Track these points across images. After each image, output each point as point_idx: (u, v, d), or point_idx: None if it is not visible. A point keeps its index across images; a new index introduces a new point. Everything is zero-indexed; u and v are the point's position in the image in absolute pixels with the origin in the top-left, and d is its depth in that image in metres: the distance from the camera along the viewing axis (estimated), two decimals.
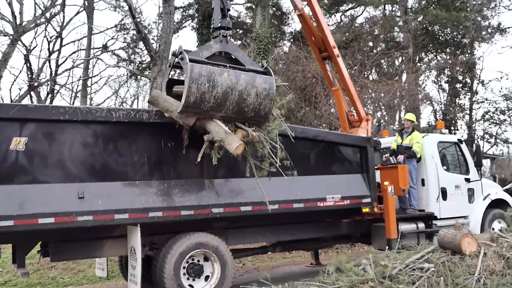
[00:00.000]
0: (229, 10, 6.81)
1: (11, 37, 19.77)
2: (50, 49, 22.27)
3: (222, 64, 6.45)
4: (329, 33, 10.13)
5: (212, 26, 6.84)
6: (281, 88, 7.49)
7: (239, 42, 26.91)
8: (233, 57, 6.72)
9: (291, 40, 25.28)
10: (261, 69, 6.67)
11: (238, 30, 26.87)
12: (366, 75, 21.31)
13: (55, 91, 22.48)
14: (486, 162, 22.23)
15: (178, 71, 8.42)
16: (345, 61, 19.10)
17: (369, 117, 9.85)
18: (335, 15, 27.05)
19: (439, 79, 27.04)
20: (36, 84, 20.26)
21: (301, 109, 18.69)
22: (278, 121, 6.68)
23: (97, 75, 24.64)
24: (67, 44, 24.59)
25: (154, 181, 6.57)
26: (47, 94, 22.11)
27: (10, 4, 19.48)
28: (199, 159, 6.33)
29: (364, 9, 25.62)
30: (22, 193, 5.66)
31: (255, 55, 18.41)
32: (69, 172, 6.03)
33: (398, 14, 26.44)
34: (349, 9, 26.47)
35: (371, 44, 24.10)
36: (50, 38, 22.35)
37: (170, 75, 7.26)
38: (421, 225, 9.32)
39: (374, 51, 23.18)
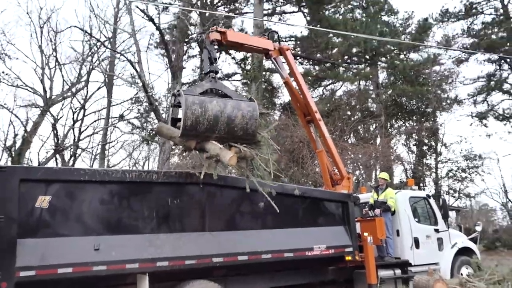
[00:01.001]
0: (216, 59, 7.35)
1: (41, 108, 20.02)
2: (74, 118, 22.48)
3: (212, 96, 6.82)
4: (311, 99, 10.10)
5: (203, 72, 7.44)
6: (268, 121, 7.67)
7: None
8: (222, 92, 7.10)
9: (281, 110, 25.70)
10: (245, 99, 6.97)
11: None
12: (345, 139, 21.56)
13: (77, 155, 22.48)
14: (452, 214, 22.07)
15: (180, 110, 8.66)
16: (327, 127, 19.30)
17: (350, 176, 9.83)
18: (318, 89, 27.75)
19: (408, 142, 27.39)
20: (61, 148, 20.29)
21: (290, 169, 18.72)
22: (266, 141, 6.97)
23: (114, 141, 24.76)
24: (89, 114, 24.93)
25: (161, 234, 6.47)
26: (70, 157, 22.09)
27: (42, 81, 19.88)
28: (202, 176, 6.49)
29: (342, 84, 26.29)
30: (44, 246, 5.54)
31: None
32: (87, 226, 5.94)
33: (371, 88, 27.15)
34: (329, 84, 27.18)
35: (349, 113, 24.55)
36: (75, 109, 22.62)
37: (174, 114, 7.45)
38: (398, 271, 9.16)
39: (352, 119, 23.57)
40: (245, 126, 6.58)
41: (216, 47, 8.19)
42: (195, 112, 6.26)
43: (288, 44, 25.18)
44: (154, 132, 23.37)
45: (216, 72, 7.16)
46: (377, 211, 9.44)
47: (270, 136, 7.11)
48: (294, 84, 9.96)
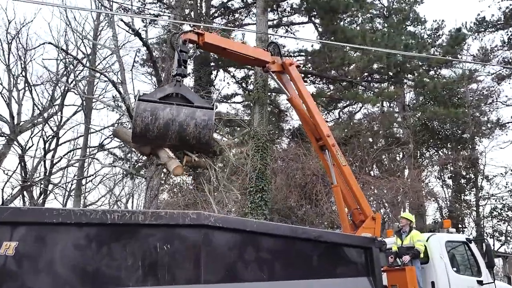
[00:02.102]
0: (185, 61, 8.13)
1: (7, 137, 20.18)
2: (46, 148, 22.62)
3: (170, 102, 7.50)
4: (321, 119, 10.15)
5: (171, 74, 8.47)
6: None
7: (236, 140, 27.51)
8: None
9: (290, 137, 25.85)
10: (208, 105, 7.68)
11: (235, 127, 27.55)
12: (367, 172, 21.56)
13: (49, 191, 22.51)
14: (498, 262, 21.76)
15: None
16: (346, 158, 19.38)
17: (376, 215, 9.71)
18: (333, 112, 27.94)
19: (442, 174, 27.31)
20: (29, 184, 20.35)
21: (301, 207, 18.67)
22: (226, 152, 8.14)
23: (92, 175, 24.82)
24: (63, 143, 25.06)
25: (148, 286, 6.39)
26: (40, 194, 22.13)
27: (8, 105, 20.10)
28: (151, 181, 7.61)
29: (362, 106, 26.46)
30: None
31: (254, 152, 18.71)
32: (60, 278, 5.88)
33: (397, 110, 27.27)
34: (347, 105, 27.37)
35: (370, 140, 24.63)
36: (47, 137, 22.81)
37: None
38: None
39: (374, 147, 23.64)
40: (198, 136, 7.33)
41: (190, 49, 8.77)
42: (145, 119, 7.13)
43: (297, 60, 25.55)
44: (139, 164, 23.48)
45: (184, 76, 8.00)
46: (406, 257, 9.33)
47: (228, 147, 8.31)
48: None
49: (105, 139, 24.82)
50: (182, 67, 8.08)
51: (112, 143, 26.19)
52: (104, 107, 25.00)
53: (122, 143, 23.05)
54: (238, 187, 18.94)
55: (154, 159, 8.45)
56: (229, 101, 27.98)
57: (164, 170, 7.92)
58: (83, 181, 24.10)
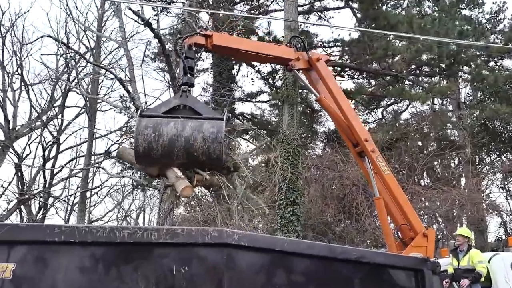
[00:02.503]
0: (192, 68, 8.30)
1: (1, 144, 20.56)
2: (45, 156, 22.98)
3: (174, 116, 7.70)
4: (358, 122, 10.07)
5: (177, 84, 8.82)
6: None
7: (263, 144, 27.56)
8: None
9: (325, 141, 25.80)
10: (219, 116, 7.82)
11: (261, 130, 27.59)
12: (416, 181, 21.31)
13: (49, 205, 22.88)
14: None
15: None
16: (391, 165, 19.22)
17: (428, 231, 9.57)
18: (375, 112, 27.75)
19: (506, 183, 26.81)
20: (27, 197, 20.71)
21: (339, 223, 18.58)
22: (242, 168, 8.07)
23: (98, 186, 25.18)
24: (65, 150, 25.48)
25: None
26: (39, 209, 22.51)
27: (3, 108, 20.48)
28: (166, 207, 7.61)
29: (409, 104, 26.21)
30: None
31: (283, 159, 18.70)
32: None
33: (450, 108, 26.94)
34: (391, 103, 27.15)
35: (420, 143, 24.37)
36: (46, 144, 23.17)
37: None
38: None
39: (425, 152, 23.37)
40: (207, 151, 7.41)
41: (196, 53, 8.93)
42: (147, 137, 7.31)
43: (333, 52, 25.52)
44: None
45: (191, 85, 8.17)
46: (465, 281, 9.20)
47: (244, 162, 8.23)
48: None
49: (112, 145, 25.11)
50: (189, 75, 8.24)
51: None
52: (111, 109, 25.34)
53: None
54: (265, 200, 18.95)
55: (164, 179, 8.60)
56: (253, 100, 28.11)
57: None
58: (88, 194, 24.48)
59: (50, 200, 23.50)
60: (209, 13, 20.87)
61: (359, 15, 24.50)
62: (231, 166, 8.01)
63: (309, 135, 27.26)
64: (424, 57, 24.35)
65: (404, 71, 24.08)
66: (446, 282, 9.38)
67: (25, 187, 21.41)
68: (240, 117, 28.86)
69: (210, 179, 7.77)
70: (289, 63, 9.70)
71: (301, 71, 9.98)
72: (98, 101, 23.94)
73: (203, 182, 7.77)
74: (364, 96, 26.72)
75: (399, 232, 10.07)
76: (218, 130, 7.52)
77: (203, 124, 7.55)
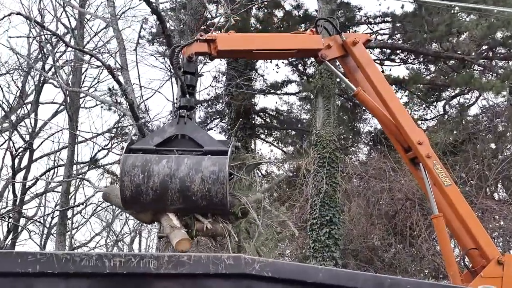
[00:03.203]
0: (193, 87, 8.20)
1: None
2: (15, 167, 23.14)
3: (169, 149, 7.76)
4: (408, 121, 9.89)
5: (174, 107, 8.32)
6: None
7: (291, 149, 27.65)
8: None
9: (370, 143, 25.76)
10: (223, 148, 7.78)
11: (289, 130, 27.61)
12: (488, 194, 21.18)
13: (20, 228, 23.10)
14: None
15: None
16: (456, 173, 19.10)
17: (506, 258, 9.47)
18: (435, 106, 27.62)
19: None
20: None
21: (389, 248, 18.52)
22: (251, 215, 7.92)
23: (82, 203, 25.33)
24: (39, 158, 25.70)
25: None
26: (8, 232, 22.71)
27: None
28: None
29: (480, 95, 26.02)
30: None
31: (317, 167, 18.73)
32: None
33: None
34: (456, 95, 26.97)
35: (493, 146, 24.17)
36: (16, 150, 23.34)
37: None
38: None
39: (499, 156, 23.17)
40: (207, 194, 7.40)
41: (197, 65, 8.77)
42: (134, 179, 7.36)
43: (380, 30, 25.50)
44: None
45: (191, 108, 8.08)
46: None
47: (256, 204, 8.00)
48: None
49: (99, 150, 25.27)
50: (188, 95, 8.19)
51: (109, 157, 26.68)
52: (97, 105, 25.39)
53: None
54: (294, 219, 18.94)
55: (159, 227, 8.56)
56: (278, 92, 28.14)
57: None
58: (69, 213, 24.63)
59: (22, 221, 23.74)
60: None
61: None
62: (238, 211, 7.86)
63: (350, 136, 27.24)
64: (498, 35, 24.14)
65: (473, 54, 23.88)
66: None
67: None
68: (262, 114, 28.91)
69: (213, 227, 7.72)
70: (319, 54, 9.63)
71: (334, 61, 9.90)
72: (82, 95, 24.05)
73: (205, 232, 7.72)
74: (421, 85, 26.61)
75: (465, 259, 10.02)
76: (220, 168, 7.51)
77: (202, 162, 7.58)
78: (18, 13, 20.21)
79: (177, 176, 7.34)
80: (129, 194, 7.35)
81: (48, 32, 21.71)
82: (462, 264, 9.87)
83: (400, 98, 25.14)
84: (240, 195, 7.85)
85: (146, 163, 7.39)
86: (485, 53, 25.11)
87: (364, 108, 26.38)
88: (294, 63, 27.37)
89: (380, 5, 39.72)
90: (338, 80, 22.28)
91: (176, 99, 8.74)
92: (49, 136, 28.52)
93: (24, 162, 23.93)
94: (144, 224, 28.26)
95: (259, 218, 8.10)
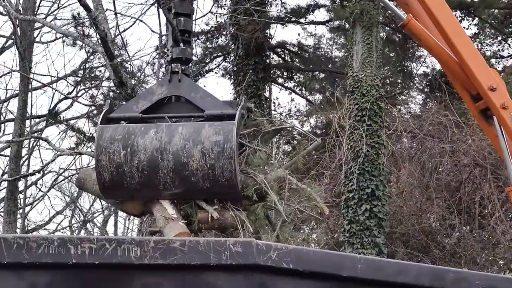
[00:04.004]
0: (188, 33, 8.07)
1: None
2: None
3: (158, 116, 7.74)
4: (475, 57, 9.86)
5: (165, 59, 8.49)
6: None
7: (318, 97, 27.72)
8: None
9: (426, 89, 25.74)
10: (230, 111, 7.63)
11: (316, 72, 27.57)
12: None
13: None
14: None
15: None
16: None
17: None
18: None
19: None
20: None
21: (452, 231, 18.57)
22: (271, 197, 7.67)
23: (37, 172, 25.43)
24: None
25: None
26: None
27: None
28: None
29: None
30: None
31: (354, 122, 18.71)
32: None
33: None
34: None
35: None
36: None
37: None
38: None
39: None
40: (210, 173, 7.27)
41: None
42: (114, 157, 7.27)
43: None
44: None
45: (186, 61, 8.03)
46: None
47: (278, 183, 7.85)
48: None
49: (60, 100, 25.34)
50: (181, 44, 8.04)
51: (75, 108, 26.73)
52: (58, 38, 25.40)
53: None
54: (323, 193, 18.91)
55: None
56: (302, 20, 27.96)
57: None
58: (21, 184, 24.81)
59: None
60: None
61: None
62: (253, 194, 7.62)
63: (399, 80, 27.19)
64: None
65: None
66: None
67: None
68: (279, 51, 28.81)
69: (220, 217, 7.51)
70: None
71: None
72: (37, 25, 24.12)
73: (211, 223, 7.52)
74: (496, 11, 26.46)
75: None
76: (226, 137, 7.33)
77: (202, 130, 7.45)
78: None
79: (169, 150, 7.20)
80: (108, 177, 7.25)
81: None
82: None
83: (467, 29, 24.97)
84: (255, 173, 7.64)
85: (129, 136, 7.26)
86: None
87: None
88: None
89: None
90: (382, 6, 22.24)
91: (164, 47, 8.50)
92: None
93: None
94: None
95: (281, 202, 7.90)
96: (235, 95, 24.63)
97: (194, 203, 7.57)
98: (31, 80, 23.61)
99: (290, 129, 22.35)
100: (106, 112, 7.63)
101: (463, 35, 9.99)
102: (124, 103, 8.06)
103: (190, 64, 8.25)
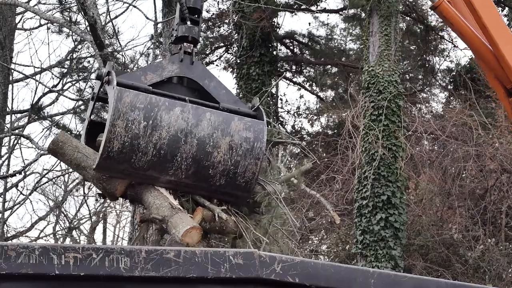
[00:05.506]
0: (198, 12, 8.06)
1: None
2: None
3: (178, 96, 7.55)
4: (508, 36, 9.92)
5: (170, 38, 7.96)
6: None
7: (330, 94, 27.82)
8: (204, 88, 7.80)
9: (450, 86, 25.79)
10: (247, 110, 7.69)
11: (328, 66, 27.62)
12: None
13: None
14: None
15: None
16: None
17: None
18: None
19: None
20: None
21: (475, 243, 18.61)
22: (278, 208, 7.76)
23: (18, 173, 25.50)
24: None
25: None
26: None
27: None
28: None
29: None
30: None
31: (369, 122, 18.73)
32: None
33: None
34: None
35: None
36: None
37: (93, 116, 8.31)
38: None
39: None
40: (232, 170, 7.27)
41: None
42: (132, 126, 7.06)
43: None
44: None
45: (194, 41, 7.88)
46: None
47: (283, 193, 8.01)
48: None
49: (44, 93, 25.32)
50: (189, 22, 7.94)
51: (60, 103, 26.75)
52: (43, 25, 25.42)
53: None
54: (334, 200, 18.88)
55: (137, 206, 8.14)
56: (313, 7, 27.99)
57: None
58: (0, 187, 24.87)
59: None
60: None
61: None
62: (266, 202, 7.72)
63: (420, 76, 27.21)
64: None
65: None
66: None
67: None
68: (287, 42, 28.83)
69: (225, 220, 7.40)
70: None
71: None
72: (18, 10, 24.15)
73: (212, 224, 7.43)
74: None
75: None
76: (257, 136, 7.42)
77: (232, 121, 7.43)
78: None
79: (195, 134, 7.12)
80: (118, 147, 7.01)
81: None
82: None
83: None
84: (265, 181, 7.63)
85: (152, 107, 7.11)
86: None
87: (444, 32, 26.36)
88: None
89: None
90: None
91: (160, 35, 8.46)
92: None
93: None
94: (109, 201, 28.57)
95: (272, 215, 7.87)
96: (237, 90, 24.65)
97: (192, 199, 7.52)
98: (12, 71, 23.66)
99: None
100: (119, 77, 7.35)
101: (503, 27, 9.99)
102: (128, 71, 7.81)
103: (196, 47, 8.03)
